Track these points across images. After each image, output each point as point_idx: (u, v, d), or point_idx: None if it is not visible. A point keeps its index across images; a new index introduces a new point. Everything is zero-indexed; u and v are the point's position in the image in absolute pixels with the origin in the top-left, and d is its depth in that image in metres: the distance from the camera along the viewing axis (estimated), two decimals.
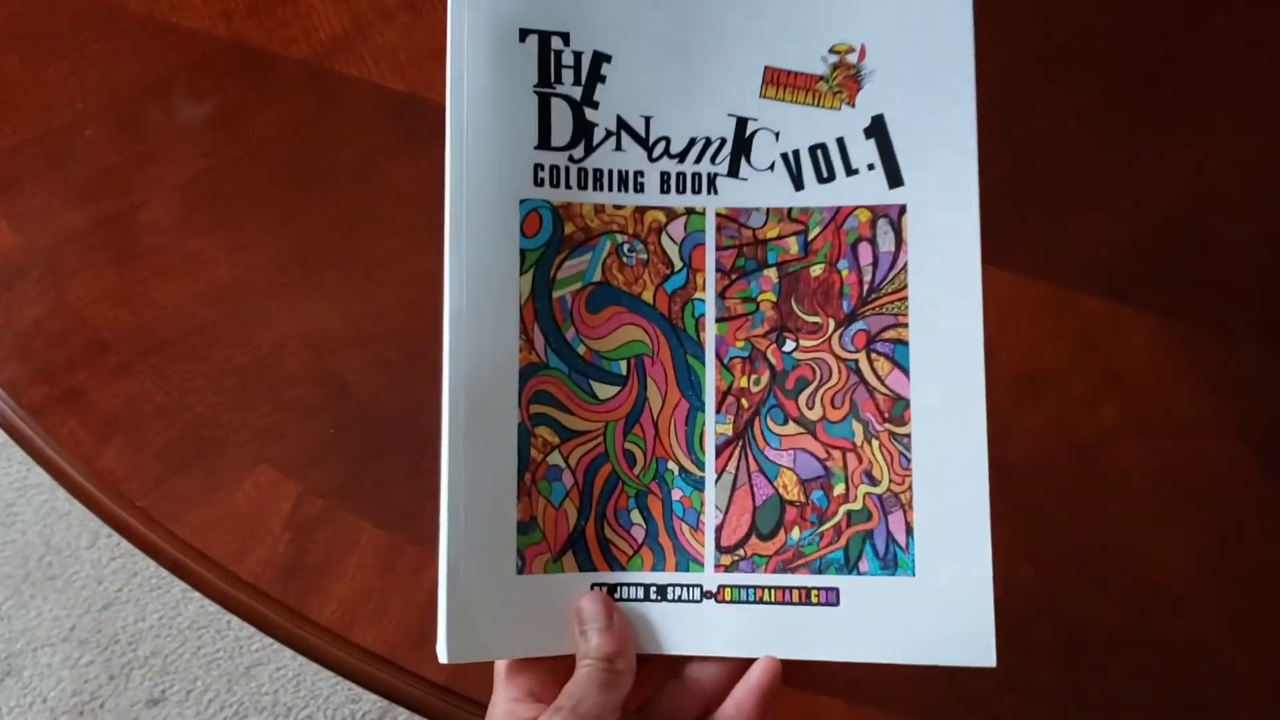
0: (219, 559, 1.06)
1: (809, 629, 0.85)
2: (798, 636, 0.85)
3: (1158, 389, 1.07)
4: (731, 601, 0.85)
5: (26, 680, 2.07)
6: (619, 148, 0.87)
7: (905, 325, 0.85)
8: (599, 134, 0.87)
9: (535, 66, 0.86)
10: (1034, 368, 1.05)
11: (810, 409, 0.86)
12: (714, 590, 0.86)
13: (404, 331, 1.09)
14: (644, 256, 0.87)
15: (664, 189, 0.87)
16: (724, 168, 0.87)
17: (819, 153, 0.87)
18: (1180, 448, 1.07)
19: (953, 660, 0.83)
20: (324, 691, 2.04)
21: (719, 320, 0.87)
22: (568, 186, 0.86)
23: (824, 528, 0.86)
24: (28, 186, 1.15)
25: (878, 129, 0.86)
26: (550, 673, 0.84)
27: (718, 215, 0.87)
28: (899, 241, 0.85)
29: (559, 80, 0.86)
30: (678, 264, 0.87)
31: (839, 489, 0.86)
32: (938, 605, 0.84)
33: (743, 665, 0.84)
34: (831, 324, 0.86)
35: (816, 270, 0.87)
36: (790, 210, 0.87)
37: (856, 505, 0.85)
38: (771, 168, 0.87)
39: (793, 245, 0.87)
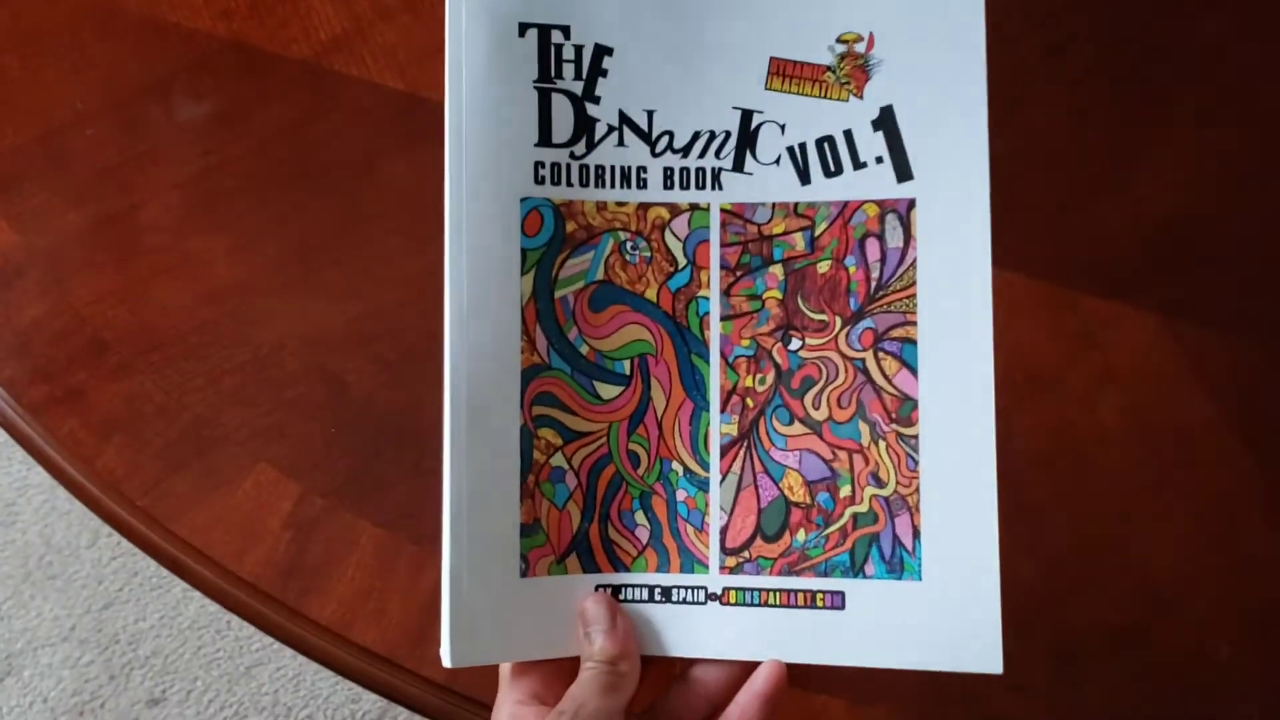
0: (219, 558, 1.05)
1: (814, 633, 0.82)
2: (803, 640, 0.82)
3: (1156, 388, 1.05)
4: (736, 604, 0.83)
5: (27, 680, 2.05)
6: (621, 143, 0.84)
7: (913, 324, 0.82)
8: (601, 129, 0.84)
9: (535, 61, 0.83)
10: (1032, 366, 1.04)
11: (816, 409, 0.83)
12: (718, 592, 0.83)
13: (404, 330, 1.08)
14: (647, 254, 0.84)
15: (667, 185, 0.84)
16: (729, 162, 0.84)
17: (826, 146, 0.83)
18: (1179, 447, 1.05)
19: (959, 666, 0.80)
20: (324, 691, 2.01)
21: (724, 318, 0.84)
22: (569, 184, 0.83)
23: (830, 530, 0.83)
24: (28, 186, 1.13)
25: (886, 121, 0.82)
26: (555, 674, 0.82)
27: (722, 211, 0.84)
28: (908, 237, 0.82)
29: (559, 75, 0.83)
30: (681, 261, 0.84)
31: (845, 491, 0.83)
32: (944, 610, 0.81)
33: (748, 668, 0.81)
34: (838, 322, 0.83)
35: (823, 267, 0.83)
36: (796, 205, 0.83)
37: (863, 508, 0.82)
38: (777, 161, 0.83)
39: (799, 241, 0.83)
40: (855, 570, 0.82)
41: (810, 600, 0.82)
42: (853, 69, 0.82)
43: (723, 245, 0.84)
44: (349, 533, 1.04)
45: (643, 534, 0.84)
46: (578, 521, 0.84)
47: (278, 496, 1.05)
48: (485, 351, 0.81)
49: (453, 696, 1.02)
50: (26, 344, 1.09)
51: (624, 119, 0.84)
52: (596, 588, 0.83)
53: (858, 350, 0.82)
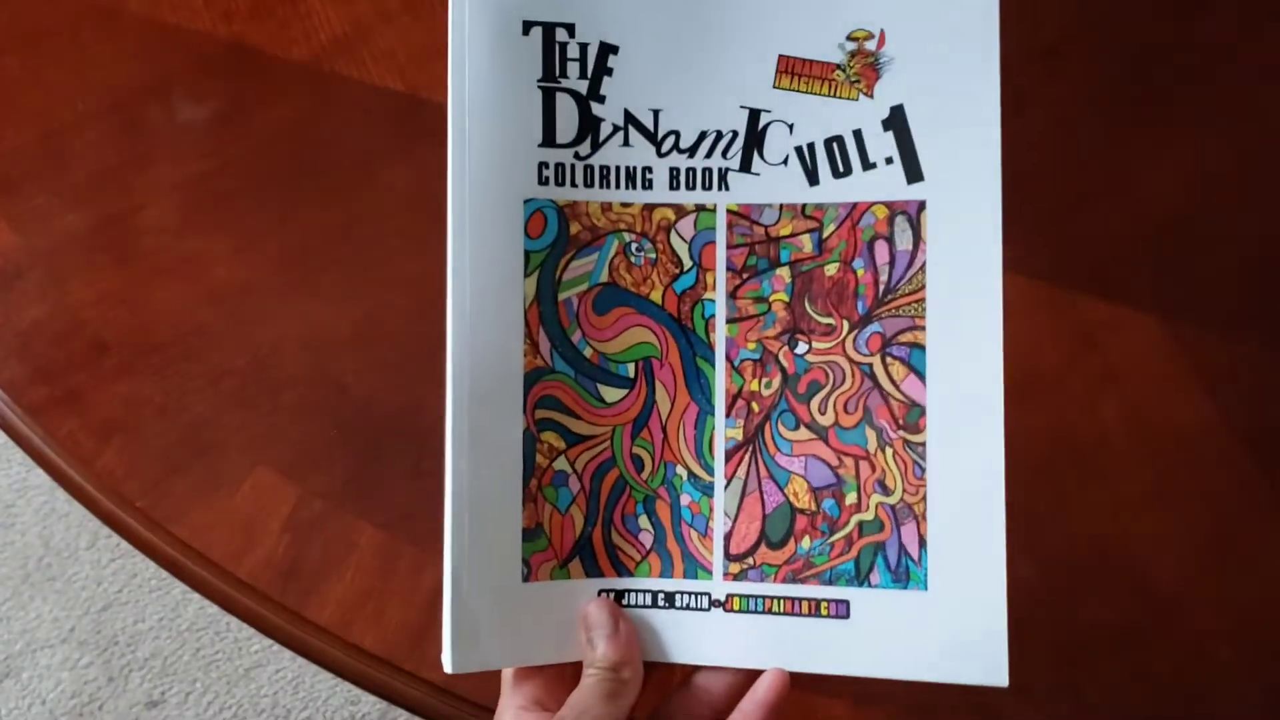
0: (218, 560, 1.03)
1: (818, 641, 0.79)
2: (807, 649, 0.79)
3: (1156, 389, 1.03)
4: (740, 611, 0.80)
5: (25, 682, 2.03)
6: (626, 143, 0.81)
7: (922, 328, 0.78)
8: (606, 129, 0.81)
9: (539, 60, 0.80)
10: (1032, 368, 1.02)
11: (822, 414, 0.80)
12: (722, 599, 0.80)
13: (403, 332, 1.06)
14: (652, 256, 0.81)
15: (673, 185, 0.81)
16: (735, 162, 0.80)
17: (835, 146, 0.79)
18: (1179, 448, 1.02)
19: (964, 678, 0.77)
20: (323, 693, 2.00)
21: (729, 321, 0.81)
22: (573, 185, 0.80)
23: (835, 538, 0.80)
24: (28, 187, 1.11)
25: (897, 121, 0.79)
26: (557, 679, 0.80)
27: (729, 212, 0.81)
28: (917, 240, 0.78)
29: (564, 74, 0.80)
30: (687, 263, 0.81)
31: (851, 498, 0.80)
32: (950, 621, 0.78)
33: (751, 676, 0.79)
34: (846, 326, 0.80)
35: (831, 269, 0.80)
36: (804, 206, 0.80)
37: (868, 515, 0.79)
38: (785, 162, 0.80)
39: (806, 243, 0.80)
40: (860, 579, 0.79)
41: (815, 609, 0.79)
42: (863, 67, 0.79)
43: (729, 247, 0.81)
44: (348, 534, 1.02)
45: (646, 539, 0.81)
46: (580, 526, 0.81)
47: (277, 498, 1.03)
48: (487, 354, 0.79)
49: (453, 699, 0.99)
50: (26, 345, 1.08)
51: (629, 119, 0.81)
52: (599, 593, 0.81)
53: (865, 355, 0.79)
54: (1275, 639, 0.99)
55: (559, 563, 0.80)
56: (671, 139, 0.80)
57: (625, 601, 0.81)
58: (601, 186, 0.81)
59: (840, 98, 0.79)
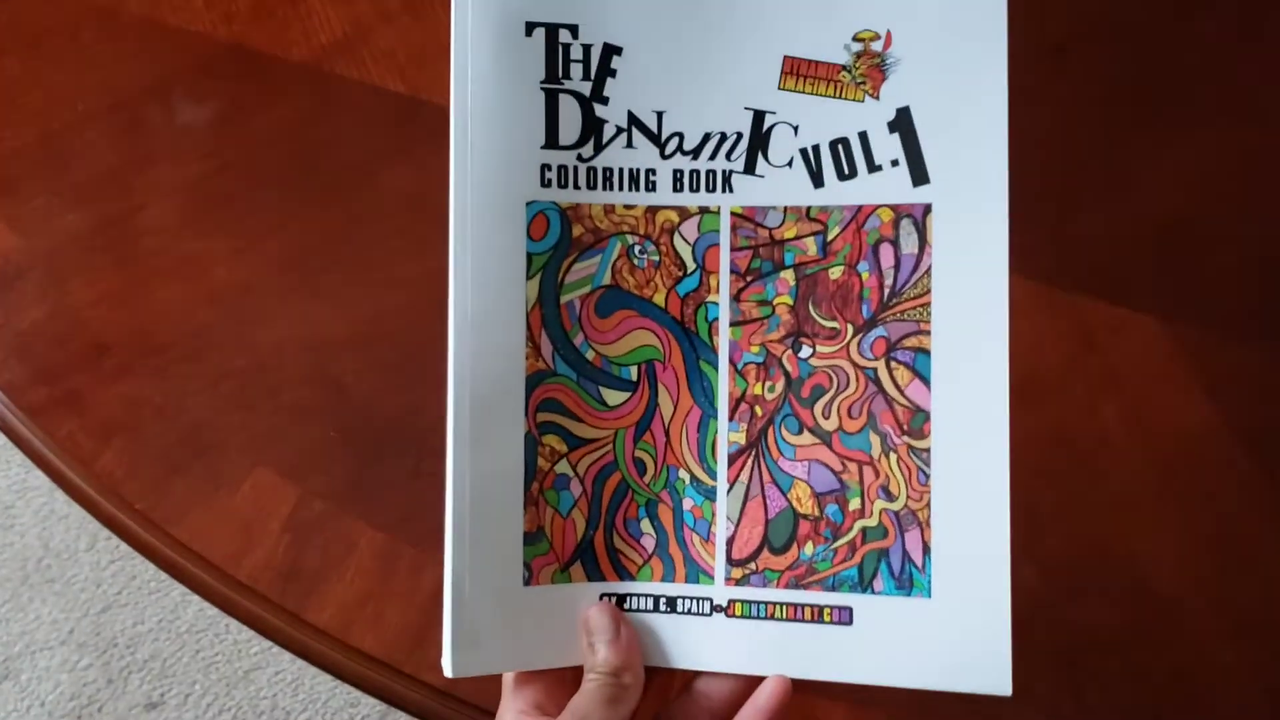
0: (217, 562, 1.02)
1: (821, 648, 0.77)
2: (809, 656, 0.77)
3: (1157, 391, 1.02)
4: (742, 616, 0.78)
5: (24, 684, 2.02)
6: (630, 145, 0.79)
7: (927, 333, 0.76)
8: (609, 131, 0.79)
9: (542, 61, 0.78)
10: (1033, 369, 1.01)
11: (826, 419, 0.78)
12: (724, 604, 0.78)
13: (403, 334, 1.05)
14: (655, 258, 0.79)
15: (677, 187, 0.79)
16: (740, 164, 0.78)
17: (840, 148, 0.77)
18: (1179, 450, 1.01)
19: (967, 687, 0.76)
20: (323, 695, 1.99)
21: (733, 324, 0.79)
22: (576, 187, 0.79)
23: (838, 544, 0.78)
24: (27, 188, 1.11)
25: (903, 122, 0.77)
26: (558, 684, 0.79)
27: (733, 214, 0.79)
28: (923, 243, 0.76)
29: (567, 75, 0.78)
30: (690, 266, 0.79)
31: (854, 503, 0.78)
32: (953, 629, 0.76)
33: (753, 682, 0.78)
34: (850, 329, 0.78)
35: (835, 273, 0.78)
36: (809, 209, 0.78)
37: (872, 521, 0.78)
38: (790, 164, 0.78)
39: (811, 246, 0.78)
40: (863, 585, 0.77)
41: (817, 615, 0.78)
42: (869, 68, 0.77)
43: (733, 249, 0.79)
44: (348, 536, 1.01)
45: (648, 543, 0.80)
46: (582, 529, 0.79)
47: (276, 500, 1.02)
48: (489, 357, 0.77)
49: (452, 701, 0.98)
50: (26, 346, 1.07)
51: (633, 120, 0.79)
52: (601, 597, 0.79)
53: (869, 359, 0.77)
54: (1276, 640, 0.98)
55: (560, 566, 0.79)
56: (675, 141, 0.79)
57: (627, 606, 0.79)
58: (604, 188, 0.79)
59: (846, 99, 0.77)
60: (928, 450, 0.76)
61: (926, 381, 0.76)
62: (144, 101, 1.12)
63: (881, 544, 0.77)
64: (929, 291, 0.76)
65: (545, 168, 0.78)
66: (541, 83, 0.78)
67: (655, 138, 0.79)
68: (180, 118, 1.11)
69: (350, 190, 1.08)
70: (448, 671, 0.76)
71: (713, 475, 0.79)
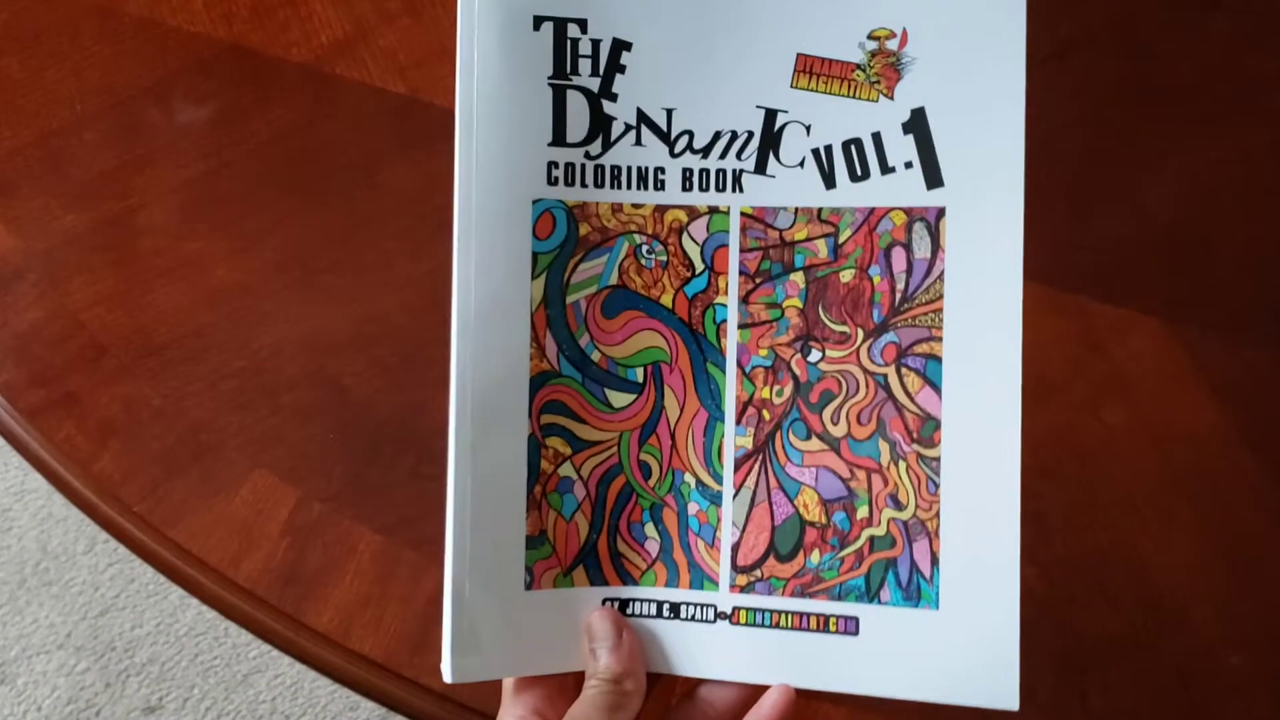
0: (216, 564, 1.00)
1: (826, 658, 0.75)
2: (814, 665, 0.75)
3: (1162, 393, 1.01)
4: (746, 624, 0.76)
5: (21, 688, 2.00)
6: (639, 143, 0.77)
7: (939, 339, 0.74)
8: (617, 128, 0.77)
9: (550, 56, 0.76)
10: (1038, 372, 0.99)
11: (835, 424, 0.76)
12: (728, 611, 0.76)
13: (403, 334, 1.04)
14: (663, 258, 0.77)
15: (686, 186, 0.77)
16: (750, 164, 0.76)
17: (853, 149, 0.75)
18: (1184, 452, 1.00)
19: (973, 701, 0.73)
20: (322, 699, 1.98)
21: (741, 327, 0.77)
22: (583, 185, 0.77)
23: (845, 552, 0.76)
24: (26, 189, 1.09)
25: (917, 123, 0.74)
26: (559, 690, 0.77)
27: (743, 215, 0.77)
28: (936, 247, 0.74)
29: (575, 71, 0.76)
30: (699, 266, 0.77)
31: (862, 512, 0.76)
32: (961, 642, 0.74)
33: (756, 690, 0.76)
34: (860, 334, 0.75)
35: (846, 276, 0.76)
36: (820, 210, 0.76)
37: (880, 530, 0.75)
38: (801, 164, 0.76)
39: (822, 248, 0.76)
40: (870, 596, 0.75)
41: (823, 624, 0.75)
42: (884, 67, 0.74)
43: (742, 250, 0.77)
44: (347, 539, 1.00)
45: (652, 547, 0.78)
46: (585, 533, 0.78)
47: (276, 502, 1.01)
48: (493, 358, 0.75)
49: (452, 706, 0.97)
50: (24, 348, 1.06)
51: (642, 117, 0.77)
52: (603, 602, 0.77)
53: (880, 365, 0.75)
54: None
55: (563, 570, 0.77)
56: (685, 139, 0.76)
57: (630, 611, 0.77)
58: (612, 187, 0.77)
59: (860, 99, 0.75)
60: (938, 459, 0.74)
61: (937, 389, 0.74)
62: (143, 102, 1.10)
63: (889, 554, 0.75)
64: (941, 297, 0.74)
65: (552, 165, 0.76)
66: (549, 78, 0.76)
67: (664, 135, 0.77)
68: (179, 118, 1.10)
69: (350, 191, 1.07)
70: (447, 676, 0.75)
71: (719, 480, 0.77)
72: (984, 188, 0.73)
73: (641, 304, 0.77)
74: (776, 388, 0.76)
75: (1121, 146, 1.07)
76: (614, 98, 0.76)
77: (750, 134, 0.76)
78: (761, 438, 0.77)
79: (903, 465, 0.75)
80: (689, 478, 0.77)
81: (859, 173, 0.75)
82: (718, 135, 0.76)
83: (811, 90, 0.75)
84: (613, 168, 0.77)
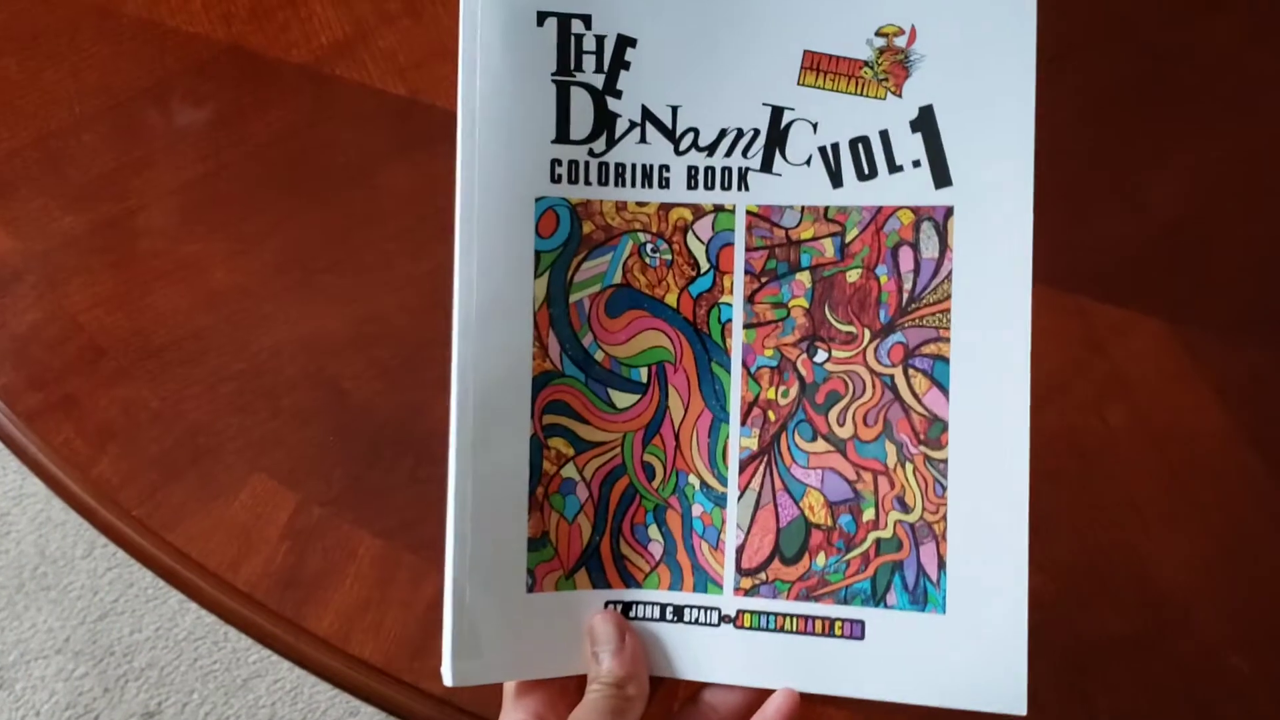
0: (215, 569, 0.99)
1: (831, 662, 0.75)
2: (819, 670, 0.75)
3: (1164, 394, 1.00)
4: (751, 628, 0.76)
5: (19, 693, 1.99)
6: (643, 140, 0.76)
7: (947, 340, 0.73)
8: (622, 125, 0.76)
9: (554, 52, 0.75)
10: (1039, 373, 0.96)
11: (841, 426, 0.75)
12: (733, 615, 0.76)
13: (402, 336, 1.03)
14: (668, 257, 0.76)
15: (691, 184, 0.76)
16: (756, 162, 0.75)
17: (860, 147, 0.74)
18: (1186, 453, 0.99)
19: (980, 705, 0.73)
20: (322, 704, 1.97)
21: (747, 326, 0.76)
22: (587, 183, 0.76)
23: (851, 555, 0.75)
24: (24, 190, 1.08)
25: (926, 122, 0.73)
26: (560, 694, 0.77)
27: (748, 213, 0.76)
28: (944, 247, 0.73)
29: (579, 67, 0.75)
30: (704, 265, 0.76)
31: (868, 514, 0.75)
32: (967, 646, 0.73)
33: (761, 695, 0.75)
34: (867, 335, 0.75)
35: (853, 275, 0.75)
36: (827, 209, 0.75)
37: (886, 533, 0.75)
38: (808, 162, 0.75)
39: (828, 247, 0.75)
40: (876, 599, 0.74)
41: (828, 628, 0.75)
42: (892, 64, 0.74)
43: (748, 249, 0.76)
44: (347, 542, 0.99)
45: (656, 549, 0.77)
46: (588, 535, 0.77)
47: (275, 505, 1.00)
48: (495, 357, 0.74)
49: (452, 711, 0.96)
50: (22, 350, 1.05)
51: (647, 115, 0.76)
52: (606, 604, 0.77)
53: (886, 365, 0.74)
54: None
55: (565, 573, 0.77)
56: (690, 136, 0.76)
57: (633, 614, 0.77)
58: (616, 185, 0.76)
59: (867, 96, 0.74)
60: (945, 461, 0.73)
61: (945, 390, 0.73)
62: (142, 103, 1.09)
63: (896, 556, 0.74)
64: (949, 297, 0.73)
65: (555, 163, 0.75)
66: (553, 75, 0.75)
67: (669, 133, 0.76)
68: (178, 120, 1.09)
69: (350, 192, 1.06)
70: (447, 680, 0.74)
71: (723, 481, 0.77)
72: (993, 187, 0.73)
73: (645, 303, 0.76)
74: (782, 388, 0.76)
75: (1123, 146, 1.06)
76: (618, 94, 0.76)
77: (756, 132, 0.75)
78: (767, 439, 0.76)
79: (909, 467, 0.74)
80: (693, 479, 0.77)
81: (866, 171, 0.74)
82: (723, 133, 0.75)
83: (818, 88, 0.74)
84: (617, 165, 0.76)
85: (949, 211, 0.73)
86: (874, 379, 0.74)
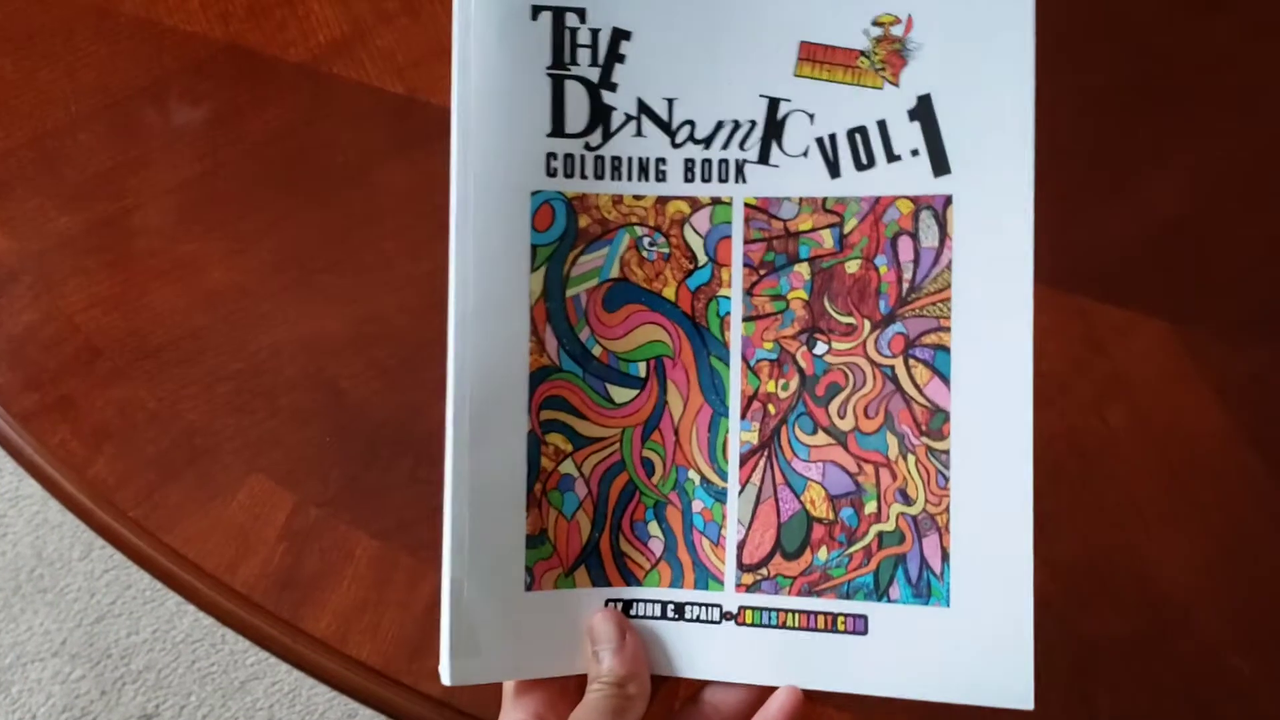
0: (212, 570, 0.99)
1: (835, 658, 0.74)
2: (822, 666, 0.74)
3: (1165, 394, 0.99)
4: (752, 624, 0.75)
5: (15, 696, 1.99)
6: (639, 133, 0.75)
7: (947, 330, 0.73)
8: (618, 118, 0.75)
9: (549, 46, 0.75)
10: (1039, 372, 0.95)
11: (842, 418, 0.75)
12: (734, 611, 0.75)
13: (400, 336, 1.02)
14: (665, 250, 0.76)
15: (688, 177, 0.75)
16: (754, 154, 0.75)
17: (858, 137, 0.74)
18: (1189, 454, 0.98)
19: (986, 700, 0.72)
20: (320, 706, 1.97)
21: (746, 319, 0.75)
22: (583, 176, 0.75)
23: (853, 549, 0.74)
24: (19, 190, 1.08)
25: (924, 110, 0.73)
26: (560, 693, 0.76)
27: (746, 205, 0.75)
28: (943, 236, 0.73)
29: (574, 60, 0.75)
30: (702, 258, 0.76)
31: (870, 507, 0.74)
32: (973, 640, 0.72)
33: (764, 692, 0.75)
34: (867, 326, 0.74)
35: (852, 266, 0.74)
36: (825, 200, 0.74)
37: (889, 526, 0.74)
38: (805, 153, 0.74)
39: (827, 239, 0.74)
40: (879, 593, 0.74)
41: (831, 623, 0.74)
42: (889, 54, 0.73)
43: (746, 242, 0.75)
44: (345, 544, 0.98)
45: (656, 546, 0.76)
46: (587, 532, 0.76)
47: (272, 506, 0.99)
48: (491, 353, 0.74)
49: (451, 712, 0.95)
50: (18, 351, 1.04)
51: (642, 107, 0.75)
52: (606, 602, 0.76)
53: (887, 356, 0.74)
54: None
55: (564, 571, 0.76)
56: (686, 129, 0.75)
57: (633, 612, 0.76)
58: (613, 178, 0.75)
59: (864, 86, 0.73)
60: (947, 452, 0.73)
61: (946, 380, 0.73)
62: (138, 102, 1.09)
63: (898, 550, 0.74)
64: (949, 286, 0.73)
65: (551, 156, 0.75)
66: (547, 68, 0.75)
67: (666, 126, 0.75)
68: (175, 119, 1.08)
69: (347, 192, 1.06)
70: (445, 679, 0.73)
71: (723, 476, 0.76)
72: (993, 174, 0.72)
73: (643, 297, 0.76)
74: (782, 381, 0.75)
75: (1123, 146, 1.06)
76: (614, 88, 0.75)
77: (753, 123, 0.75)
78: (767, 433, 0.75)
79: (911, 459, 0.73)
80: (693, 474, 0.76)
81: (864, 161, 0.74)
82: (720, 125, 0.75)
83: (815, 78, 0.74)
84: (613, 158, 0.75)
85: (948, 200, 0.73)
86: (874, 370, 0.74)
